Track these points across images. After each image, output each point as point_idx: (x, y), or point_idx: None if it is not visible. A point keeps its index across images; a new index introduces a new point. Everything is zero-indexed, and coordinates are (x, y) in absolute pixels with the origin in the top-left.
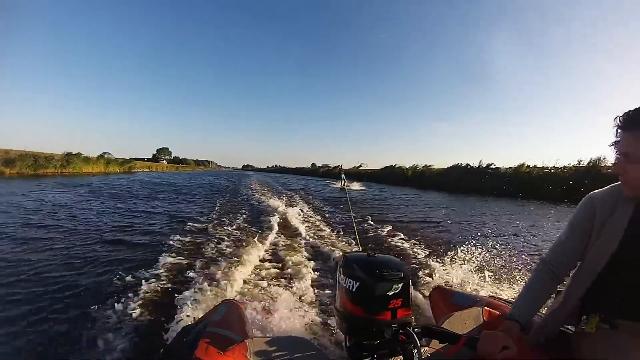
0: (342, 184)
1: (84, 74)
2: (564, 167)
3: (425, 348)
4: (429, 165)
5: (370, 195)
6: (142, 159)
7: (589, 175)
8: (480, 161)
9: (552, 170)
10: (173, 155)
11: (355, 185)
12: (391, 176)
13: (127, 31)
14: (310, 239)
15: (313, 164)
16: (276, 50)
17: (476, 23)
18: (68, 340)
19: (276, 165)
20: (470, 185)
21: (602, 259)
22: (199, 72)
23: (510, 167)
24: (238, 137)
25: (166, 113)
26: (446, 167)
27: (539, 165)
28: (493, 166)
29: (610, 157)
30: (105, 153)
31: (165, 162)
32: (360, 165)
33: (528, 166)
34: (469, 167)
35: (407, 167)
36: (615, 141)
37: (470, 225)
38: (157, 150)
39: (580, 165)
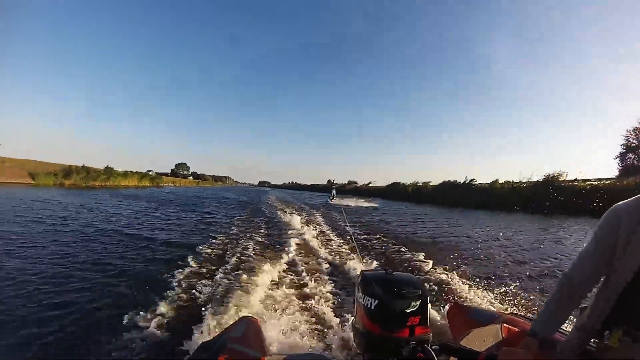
0: (331, 198)
1: (95, 84)
2: (527, 181)
3: None
4: (427, 182)
5: (375, 211)
6: (165, 174)
7: (546, 187)
8: (465, 177)
9: (517, 185)
10: (191, 170)
11: (364, 202)
12: (394, 192)
13: (142, 39)
14: (328, 255)
15: (329, 181)
16: (296, 66)
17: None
18: (84, 352)
19: (292, 182)
20: (457, 199)
21: (629, 272)
22: (217, 86)
23: (486, 183)
24: (254, 153)
25: (182, 128)
26: (438, 183)
27: (514, 179)
28: (475, 182)
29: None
30: (149, 170)
31: (191, 177)
32: (369, 183)
33: (499, 182)
34: (456, 182)
35: (408, 183)
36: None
37: (469, 237)
38: (176, 165)
39: (537, 180)
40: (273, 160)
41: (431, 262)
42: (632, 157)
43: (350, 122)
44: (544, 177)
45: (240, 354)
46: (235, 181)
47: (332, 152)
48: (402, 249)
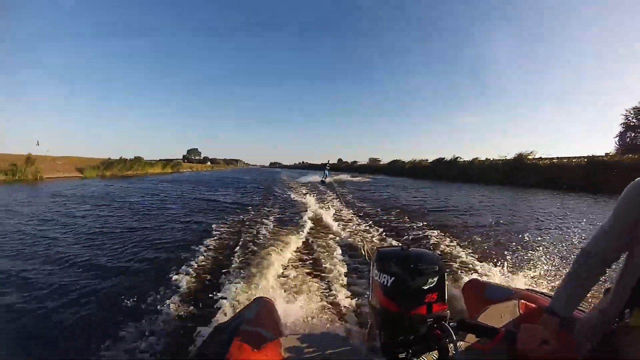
0: (325, 178)
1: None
2: (502, 159)
3: (461, 343)
4: (423, 160)
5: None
6: (178, 159)
7: (517, 164)
8: (453, 155)
9: (494, 162)
10: (202, 155)
11: (360, 178)
12: (394, 169)
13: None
14: (342, 233)
15: (339, 160)
16: (302, 50)
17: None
18: (99, 334)
19: (303, 162)
20: (443, 174)
21: None
22: (228, 72)
23: (466, 160)
24: (264, 135)
25: (190, 113)
26: (431, 161)
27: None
28: (460, 159)
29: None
30: (176, 159)
31: (209, 162)
32: (354, 162)
33: (480, 159)
34: (443, 160)
35: (406, 161)
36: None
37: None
38: (188, 151)
39: (508, 158)
40: (283, 140)
41: (436, 232)
42: (632, 135)
43: (361, 105)
44: (515, 155)
45: (255, 335)
46: (246, 163)
47: (343, 132)
48: (407, 220)
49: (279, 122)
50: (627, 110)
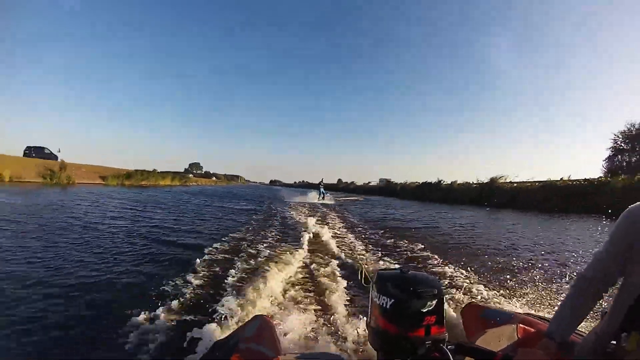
0: (321, 197)
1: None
2: (476, 183)
3: None
4: (412, 182)
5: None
6: (180, 173)
7: (488, 188)
8: (437, 178)
9: (467, 185)
10: (204, 170)
11: (353, 198)
12: (386, 189)
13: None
14: (342, 254)
15: (339, 180)
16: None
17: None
18: (94, 350)
19: (303, 181)
20: (427, 195)
21: None
22: (228, 86)
23: (448, 183)
24: (265, 152)
25: (192, 128)
26: (419, 183)
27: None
28: (443, 182)
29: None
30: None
31: (214, 177)
32: (369, 182)
33: (458, 182)
34: (429, 183)
35: (397, 182)
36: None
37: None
38: (189, 165)
39: (481, 182)
40: (284, 159)
41: (433, 254)
42: (621, 158)
43: (361, 124)
44: (489, 180)
45: (253, 353)
46: (247, 180)
47: (343, 151)
48: (400, 242)
49: (280, 140)
50: (615, 135)
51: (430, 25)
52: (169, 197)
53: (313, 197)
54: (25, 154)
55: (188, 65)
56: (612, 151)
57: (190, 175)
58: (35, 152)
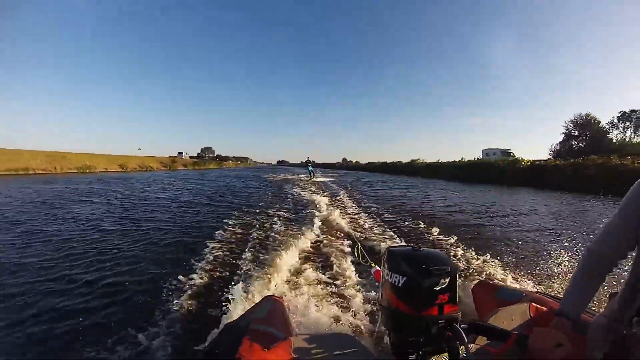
0: (312, 175)
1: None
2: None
3: (472, 345)
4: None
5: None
6: (193, 157)
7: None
8: (411, 159)
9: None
10: (215, 153)
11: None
12: (382, 168)
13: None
14: (352, 230)
15: (344, 159)
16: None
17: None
18: (108, 333)
19: (310, 161)
20: (409, 171)
21: None
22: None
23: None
24: (271, 133)
25: (200, 111)
26: (409, 161)
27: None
28: (421, 160)
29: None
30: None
31: (231, 161)
32: (370, 163)
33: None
34: (413, 161)
35: (388, 162)
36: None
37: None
38: (202, 149)
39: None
40: (292, 139)
41: (438, 229)
42: (572, 142)
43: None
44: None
45: (265, 334)
46: (255, 161)
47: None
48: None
49: (287, 121)
50: (566, 122)
51: None
52: (231, 173)
53: (305, 174)
54: (197, 155)
55: (195, 53)
56: (565, 136)
57: (230, 161)
58: (204, 151)
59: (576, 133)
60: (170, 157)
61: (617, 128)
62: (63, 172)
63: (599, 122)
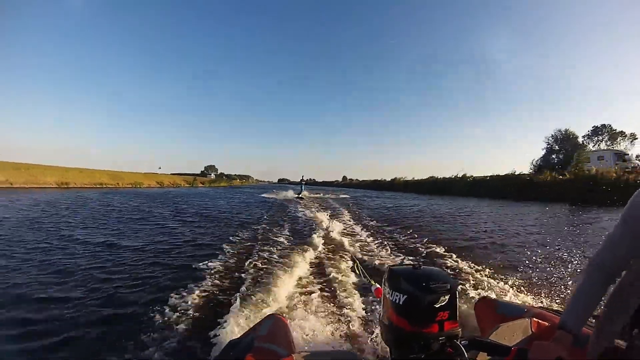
0: (301, 192)
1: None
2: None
3: None
4: (403, 177)
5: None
6: (196, 174)
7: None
8: (430, 176)
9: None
10: (219, 171)
11: (333, 194)
12: (380, 185)
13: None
14: (355, 250)
15: (344, 177)
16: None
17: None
18: (109, 350)
19: (311, 179)
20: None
21: None
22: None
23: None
24: (272, 152)
25: (204, 130)
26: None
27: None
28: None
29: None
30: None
31: (237, 180)
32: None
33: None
34: (414, 179)
35: (388, 179)
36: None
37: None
38: (205, 167)
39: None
40: (293, 158)
41: (444, 248)
42: (554, 157)
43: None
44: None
45: (267, 352)
46: (256, 180)
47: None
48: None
49: (288, 140)
50: (547, 137)
51: None
52: (246, 190)
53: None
54: (201, 173)
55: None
56: (546, 151)
57: (237, 179)
58: (207, 169)
59: (556, 147)
60: (192, 175)
61: (592, 141)
62: (121, 186)
63: (577, 136)
